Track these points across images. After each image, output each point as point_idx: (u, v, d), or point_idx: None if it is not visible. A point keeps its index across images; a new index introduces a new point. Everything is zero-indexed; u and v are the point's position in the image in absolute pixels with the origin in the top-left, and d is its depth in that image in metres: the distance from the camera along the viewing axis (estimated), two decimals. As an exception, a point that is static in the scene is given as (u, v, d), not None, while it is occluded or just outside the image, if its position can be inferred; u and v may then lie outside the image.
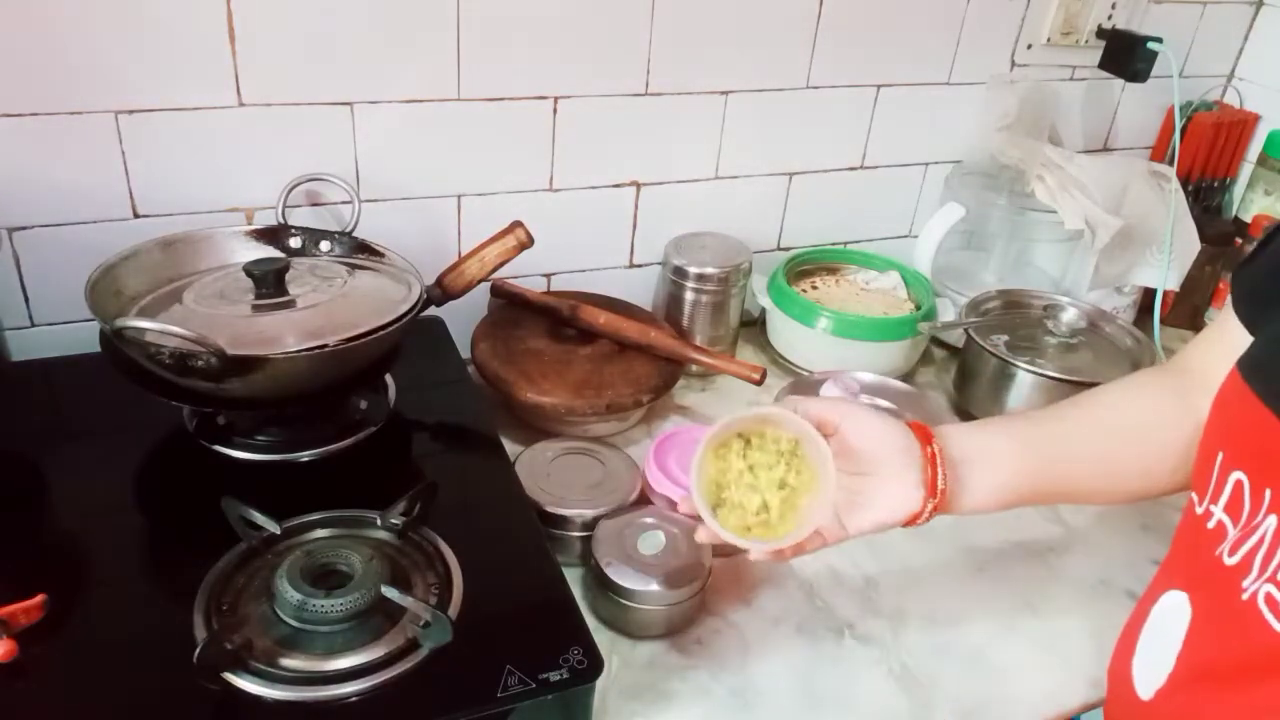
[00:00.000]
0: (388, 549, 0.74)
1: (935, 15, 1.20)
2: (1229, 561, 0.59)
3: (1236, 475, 0.60)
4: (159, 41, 0.88)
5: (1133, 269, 1.28)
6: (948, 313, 1.21)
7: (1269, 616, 0.57)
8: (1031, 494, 0.75)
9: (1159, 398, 0.76)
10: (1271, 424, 0.57)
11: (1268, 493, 0.57)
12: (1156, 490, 0.76)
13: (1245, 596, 0.59)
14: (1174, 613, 0.65)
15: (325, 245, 0.97)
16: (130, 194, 0.94)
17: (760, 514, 0.68)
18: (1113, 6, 1.28)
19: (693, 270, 1.12)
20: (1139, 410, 0.77)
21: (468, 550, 0.75)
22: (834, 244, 1.31)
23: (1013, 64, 1.29)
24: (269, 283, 0.84)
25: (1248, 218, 1.36)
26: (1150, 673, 0.66)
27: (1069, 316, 1.15)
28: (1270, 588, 0.57)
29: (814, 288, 1.24)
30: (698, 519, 0.68)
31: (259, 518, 0.73)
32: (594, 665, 0.67)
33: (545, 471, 0.89)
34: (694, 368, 1.09)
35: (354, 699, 0.63)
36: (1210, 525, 0.62)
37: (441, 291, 0.93)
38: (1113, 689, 0.73)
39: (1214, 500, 0.62)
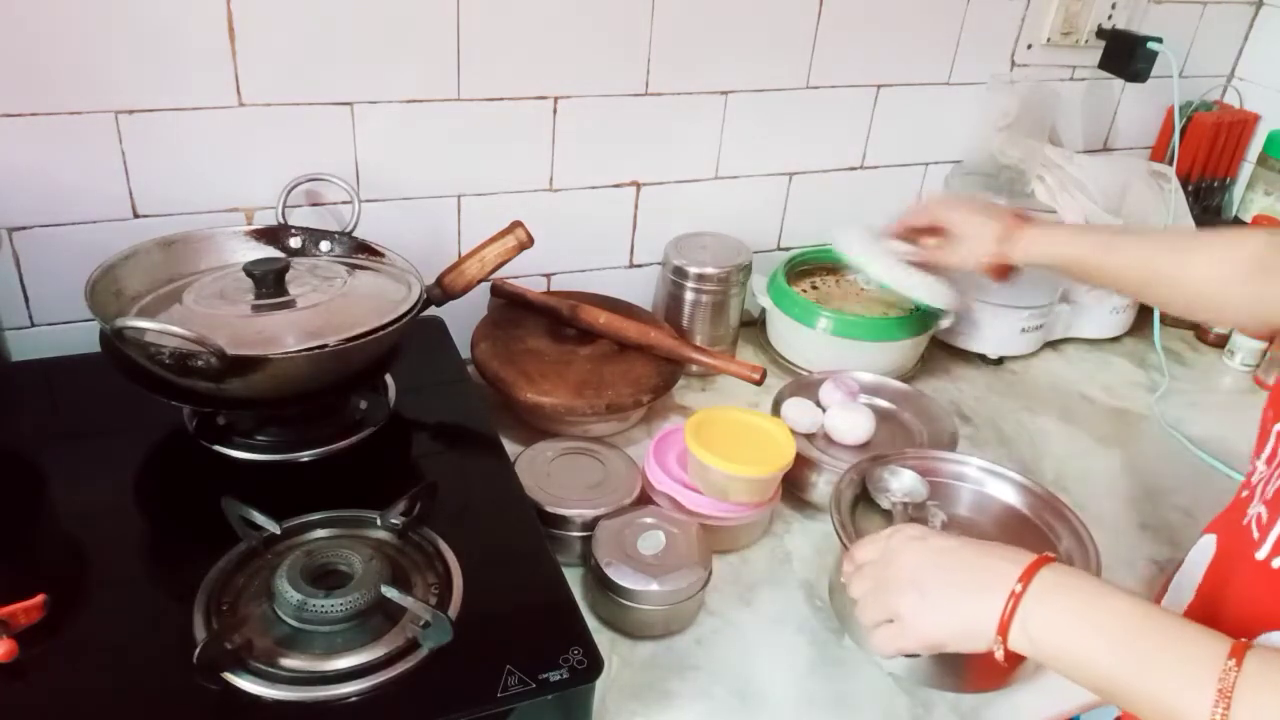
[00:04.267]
0: (388, 549, 0.74)
1: (935, 15, 1.20)
2: (1243, 495, 0.66)
3: (1278, 427, 0.65)
4: (159, 41, 0.88)
5: (1133, 269, 1.28)
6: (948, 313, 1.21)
7: (1255, 534, 0.63)
8: (1084, 263, 0.94)
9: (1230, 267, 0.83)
10: None
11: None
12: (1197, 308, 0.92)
13: (1244, 521, 0.64)
14: (1203, 552, 0.71)
15: (325, 245, 0.97)
16: (130, 194, 0.94)
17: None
18: (1113, 6, 1.28)
19: (693, 270, 1.12)
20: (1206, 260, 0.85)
21: (468, 550, 0.75)
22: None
23: (1013, 64, 1.29)
24: (269, 283, 0.84)
25: (1248, 218, 1.36)
26: (1173, 605, 0.71)
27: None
28: (1261, 509, 0.63)
29: (814, 288, 1.24)
30: None
31: (259, 518, 0.73)
32: (594, 665, 0.67)
33: (545, 471, 0.89)
34: (694, 368, 1.09)
35: (354, 699, 0.63)
36: (1254, 479, 0.67)
37: (441, 291, 0.93)
38: None
39: (1258, 454, 0.67)
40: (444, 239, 1.08)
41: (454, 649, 0.66)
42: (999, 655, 0.61)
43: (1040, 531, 0.86)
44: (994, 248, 0.98)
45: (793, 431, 0.93)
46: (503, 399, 1.00)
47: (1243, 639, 0.54)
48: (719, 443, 0.87)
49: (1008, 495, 0.90)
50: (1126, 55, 1.28)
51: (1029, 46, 1.28)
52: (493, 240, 0.94)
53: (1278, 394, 0.69)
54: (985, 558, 0.64)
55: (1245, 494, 0.69)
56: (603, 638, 0.76)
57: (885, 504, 0.86)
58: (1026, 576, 0.60)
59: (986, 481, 0.91)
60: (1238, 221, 1.42)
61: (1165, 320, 1.34)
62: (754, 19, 1.10)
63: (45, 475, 0.82)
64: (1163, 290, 0.90)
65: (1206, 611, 0.67)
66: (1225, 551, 0.70)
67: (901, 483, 0.88)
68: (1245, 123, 1.43)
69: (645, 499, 0.89)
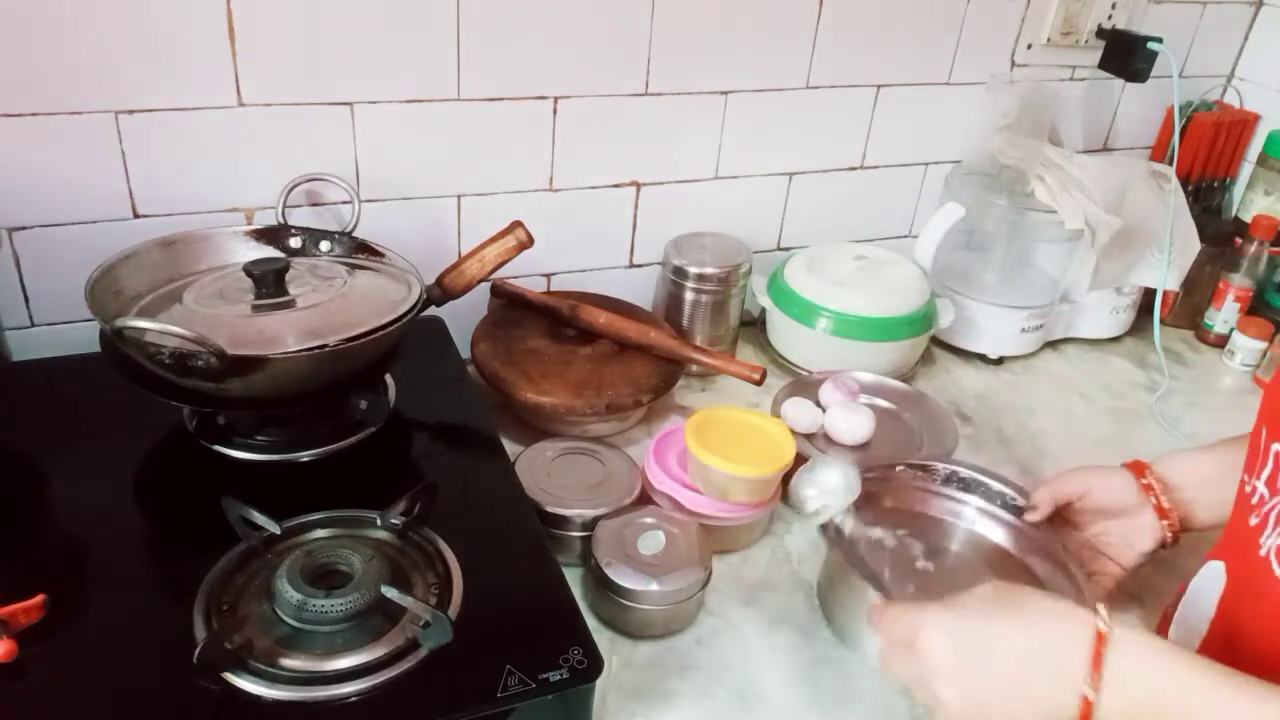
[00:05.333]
0: (388, 549, 0.74)
1: (935, 15, 1.20)
2: (1252, 523, 0.62)
3: (1276, 447, 0.62)
4: (159, 41, 0.88)
5: (1133, 269, 1.28)
6: (948, 313, 1.21)
7: (1276, 569, 0.59)
8: None
9: None
10: None
11: None
12: None
13: (1262, 553, 0.61)
14: (1210, 580, 0.68)
15: (325, 245, 0.97)
16: (130, 194, 0.94)
17: None
18: (1113, 6, 1.28)
19: (693, 270, 1.12)
20: None
21: (468, 550, 0.75)
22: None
23: (1013, 64, 1.28)
24: (269, 283, 0.84)
25: (1248, 218, 1.36)
26: (1185, 639, 0.68)
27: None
28: (1279, 540, 0.59)
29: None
30: None
31: (259, 518, 0.73)
32: (594, 665, 0.67)
33: (545, 471, 0.89)
34: (694, 368, 1.09)
35: (354, 699, 0.63)
36: (1254, 500, 0.64)
37: (441, 291, 0.93)
38: None
39: (1258, 475, 0.64)
40: (444, 239, 1.08)
41: (454, 649, 0.66)
42: None
43: (1030, 574, 0.85)
44: None
45: (793, 431, 0.93)
46: (503, 399, 1.00)
47: None
48: (719, 443, 0.87)
49: (995, 535, 0.89)
50: (1126, 55, 1.28)
51: (1029, 46, 1.28)
52: (493, 240, 0.94)
53: (1271, 409, 0.66)
54: (1032, 639, 0.57)
55: (1256, 521, 0.63)
56: (603, 638, 0.76)
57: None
58: (1095, 673, 0.54)
59: (977, 520, 0.90)
60: (1237, 221, 1.42)
61: (1165, 320, 1.34)
62: (754, 19, 1.10)
63: (45, 475, 0.82)
64: None
65: (1226, 648, 0.63)
66: (1241, 583, 0.66)
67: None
68: (1245, 123, 1.43)
69: (645, 499, 0.89)
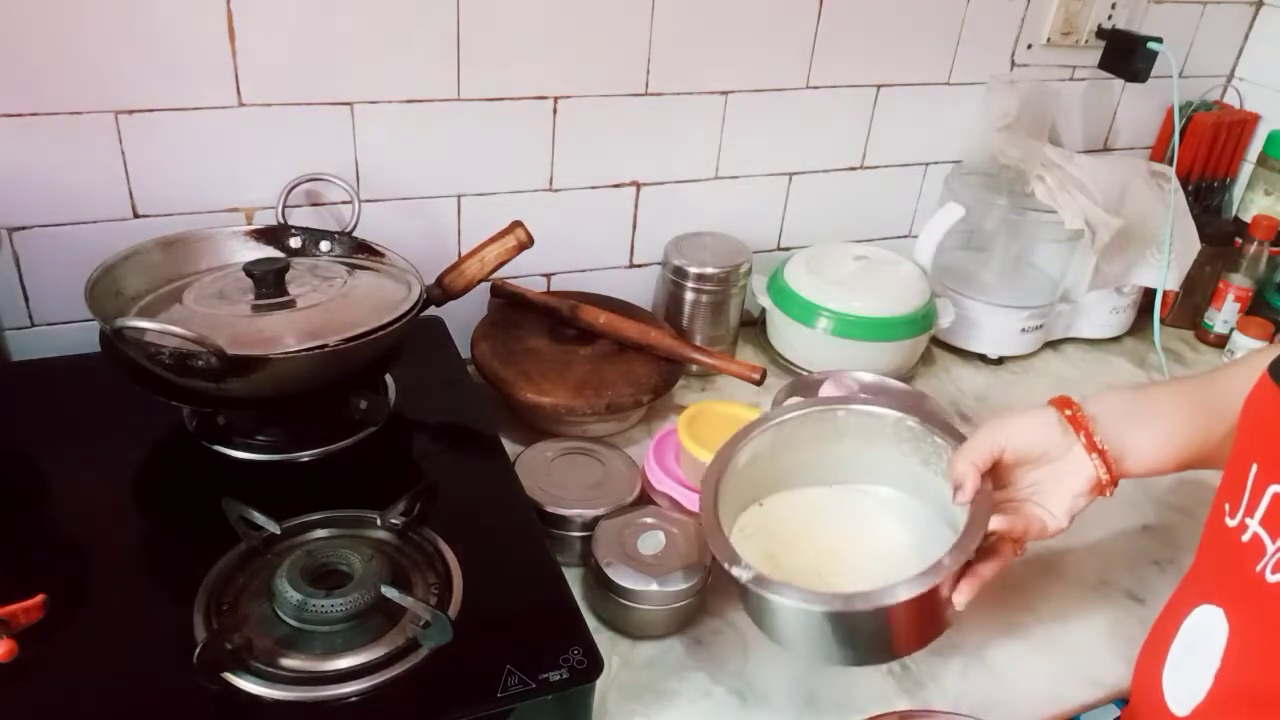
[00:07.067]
0: (388, 549, 0.74)
1: (935, 15, 1.20)
2: (1271, 579, 0.57)
3: (1275, 489, 0.58)
4: (159, 41, 0.88)
5: (1133, 269, 1.28)
6: (948, 313, 1.21)
7: None
8: (1206, 450, 0.74)
9: None
10: None
11: None
12: None
13: None
14: (1209, 628, 0.63)
15: (325, 245, 0.97)
16: (130, 194, 0.94)
17: None
18: (1113, 6, 1.28)
19: (693, 270, 1.12)
20: None
21: (468, 550, 0.75)
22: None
23: (1013, 64, 1.29)
24: (269, 283, 0.84)
25: (1248, 218, 1.36)
26: (1185, 690, 0.64)
27: None
28: None
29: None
30: None
31: (259, 518, 0.73)
32: (594, 665, 0.67)
33: (545, 471, 0.89)
34: (694, 368, 1.10)
35: (354, 699, 0.63)
36: (1245, 539, 0.59)
37: (441, 291, 0.93)
38: (1140, 702, 0.71)
39: (1249, 513, 0.59)
40: (444, 239, 1.08)
41: (454, 649, 0.66)
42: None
43: None
44: None
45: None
46: (503, 399, 1.00)
47: None
48: (711, 437, 0.86)
49: None
50: (1126, 55, 1.28)
51: (1029, 46, 1.28)
52: (493, 240, 0.94)
53: (1265, 445, 0.60)
54: None
55: (1276, 579, 0.57)
56: (603, 638, 0.76)
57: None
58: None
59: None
60: (1237, 221, 1.42)
61: (1165, 320, 1.34)
62: (754, 19, 1.10)
63: (45, 475, 0.82)
64: None
65: (1239, 700, 0.60)
66: (1249, 631, 0.60)
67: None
68: (1245, 123, 1.43)
69: (645, 499, 0.89)
